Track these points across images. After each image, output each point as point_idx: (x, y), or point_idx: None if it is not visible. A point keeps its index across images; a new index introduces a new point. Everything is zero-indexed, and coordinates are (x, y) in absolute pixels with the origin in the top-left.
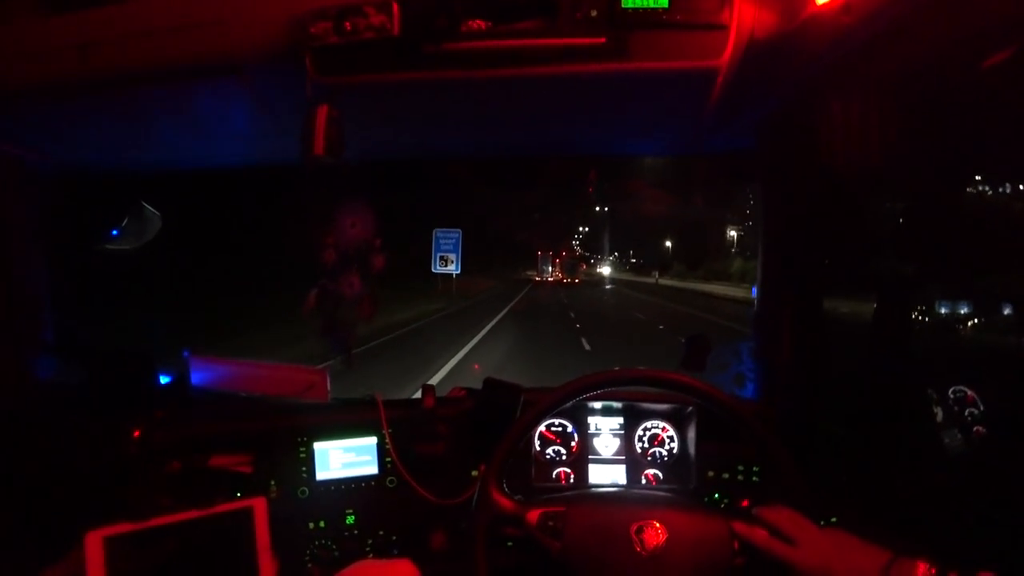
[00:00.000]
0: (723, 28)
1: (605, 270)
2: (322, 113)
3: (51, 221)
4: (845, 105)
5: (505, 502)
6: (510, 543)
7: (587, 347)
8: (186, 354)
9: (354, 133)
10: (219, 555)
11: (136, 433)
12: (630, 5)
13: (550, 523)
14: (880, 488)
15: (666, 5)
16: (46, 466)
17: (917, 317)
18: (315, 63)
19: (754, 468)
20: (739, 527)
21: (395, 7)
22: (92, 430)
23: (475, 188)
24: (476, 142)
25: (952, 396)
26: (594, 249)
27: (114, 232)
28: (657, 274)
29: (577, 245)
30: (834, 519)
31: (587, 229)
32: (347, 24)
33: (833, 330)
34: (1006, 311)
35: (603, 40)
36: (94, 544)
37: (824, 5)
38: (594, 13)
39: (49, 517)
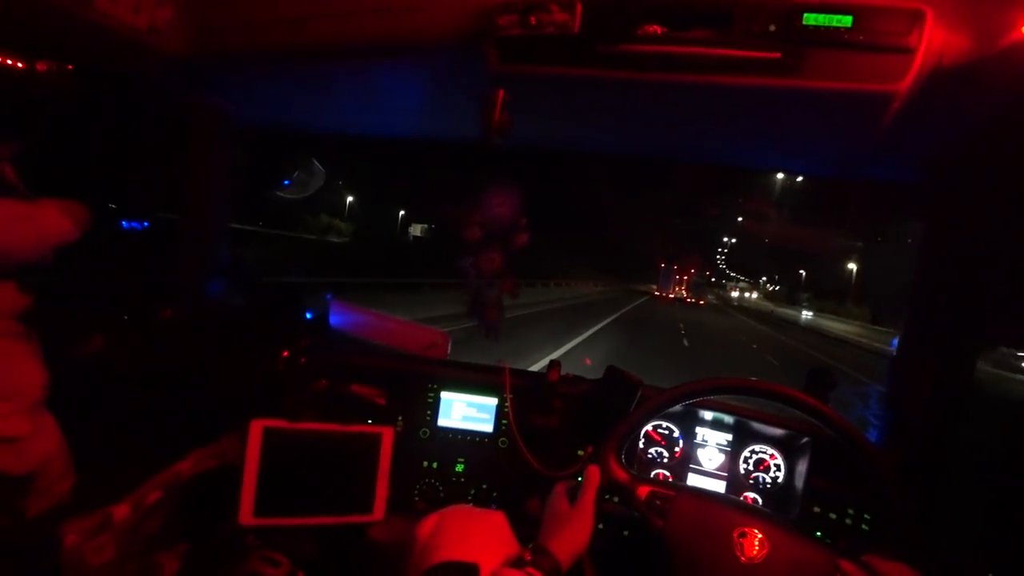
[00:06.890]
0: (909, 51)
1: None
2: (497, 97)
3: (236, 167)
4: None
5: (620, 472)
6: (601, 525)
7: None
8: (328, 297)
9: (519, 120)
10: (347, 467)
11: (285, 353)
12: (811, 22)
13: (658, 502)
14: (1007, 562)
15: (849, 24)
16: (214, 364)
17: None
18: (498, 51)
19: (865, 516)
20: (846, 566)
21: (578, 7)
22: (251, 343)
23: (617, 190)
24: (636, 142)
25: None
26: (746, 272)
27: (285, 182)
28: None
29: (722, 264)
30: None
31: (735, 245)
32: (532, 18)
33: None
34: None
35: (778, 55)
36: (256, 431)
37: None
38: (772, 28)
39: (208, 406)
